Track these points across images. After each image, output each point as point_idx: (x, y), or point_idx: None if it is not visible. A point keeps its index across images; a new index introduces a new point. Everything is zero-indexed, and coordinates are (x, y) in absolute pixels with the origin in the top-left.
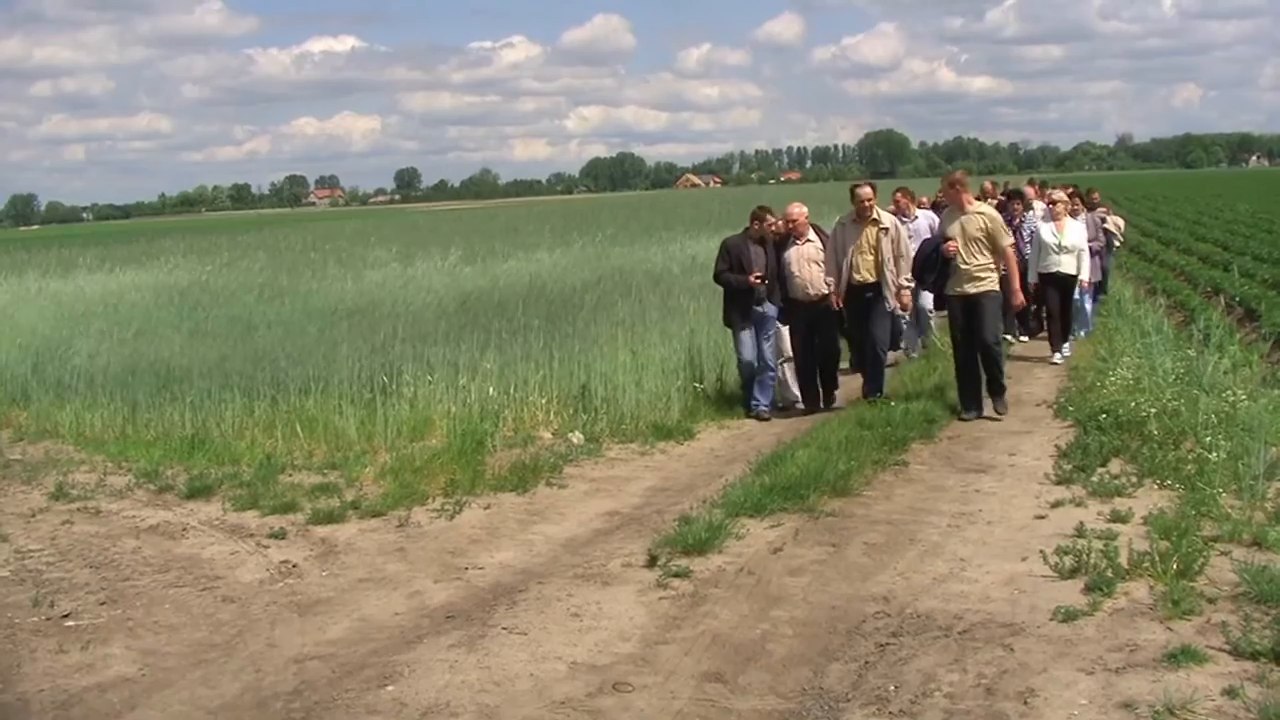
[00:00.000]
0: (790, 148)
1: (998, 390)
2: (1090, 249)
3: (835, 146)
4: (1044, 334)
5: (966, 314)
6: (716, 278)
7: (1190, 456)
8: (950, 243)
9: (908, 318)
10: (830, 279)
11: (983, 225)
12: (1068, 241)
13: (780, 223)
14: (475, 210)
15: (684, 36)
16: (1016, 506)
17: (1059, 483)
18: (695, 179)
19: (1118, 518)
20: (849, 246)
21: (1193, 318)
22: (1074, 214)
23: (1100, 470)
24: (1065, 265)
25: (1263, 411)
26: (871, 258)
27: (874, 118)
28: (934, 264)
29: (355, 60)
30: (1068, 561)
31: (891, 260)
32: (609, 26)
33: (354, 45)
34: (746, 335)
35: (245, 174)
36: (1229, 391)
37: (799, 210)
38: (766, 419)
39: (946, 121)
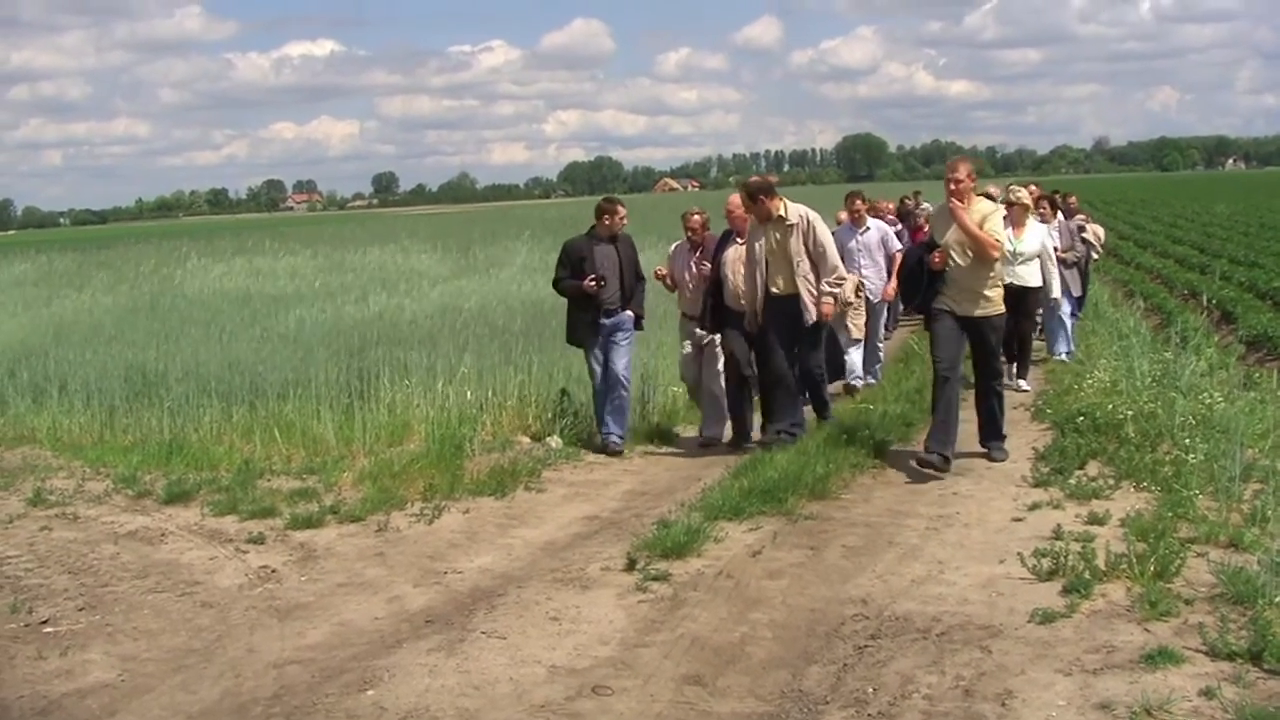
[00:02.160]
0: (768, 151)
1: (995, 430)
2: (1066, 260)
3: (813, 150)
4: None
5: (968, 338)
6: (555, 285)
7: (1167, 459)
8: (937, 252)
9: (848, 341)
10: (746, 292)
11: (981, 225)
12: (1026, 248)
13: (696, 216)
14: (452, 215)
15: (663, 41)
16: (994, 509)
17: (1036, 485)
18: (673, 183)
19: (1095, 520)
20: (758, 253)
21: (1170, 320)
22: (1044, 221)
23: (1078, 473)
24: (1023, 276)
25: (1239, 414)
26: (784, 265)
27: (852, 121)
28: (918, 281)
29: (334, 64)
30: (1045, 564)
31: (807, 264)
32: (588, 31)
33: (333, 49)
34: (595, 352)
35: (223, 179)
36: (1206, 394)
37: (737, 201)
38: (618, 451)
39: (924, 125)
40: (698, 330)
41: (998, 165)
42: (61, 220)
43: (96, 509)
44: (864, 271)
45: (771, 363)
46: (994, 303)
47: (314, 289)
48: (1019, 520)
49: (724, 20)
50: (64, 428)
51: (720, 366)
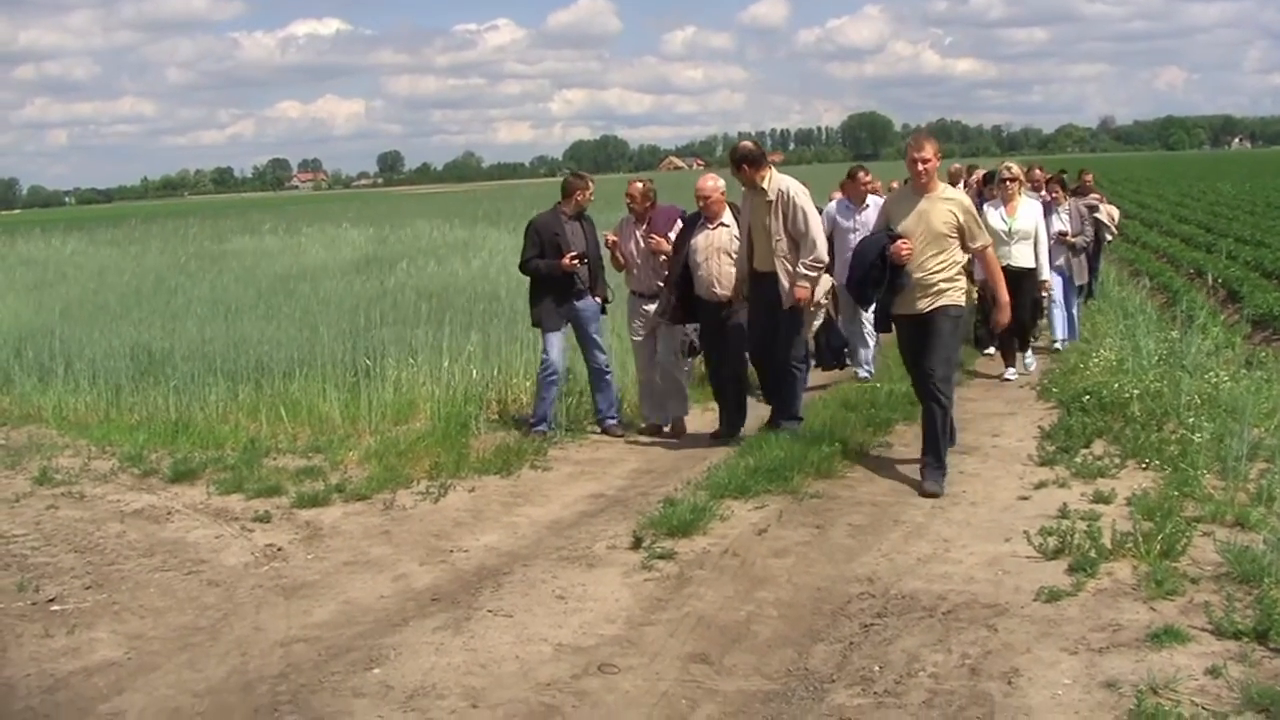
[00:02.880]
0: (774, 130)
1: (935, 451)
2: (1074, 246)
3: (819, 129)
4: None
5: (919, 338)
6: (523, 266)
7: (1173, 438)
8: (902, 242)
9: (840, 321)
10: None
11: (952, 218)
12: (1020, 226)
13: (638, 185)
14: (458, 193)
15: (669, 19)
16: (1000, 488)
17: (1042, 464)
18: (678, 161)
19: (1101, 499)
20: (744, 227)
21: (1175, 299)
22: (1055, 203)
23: (1083, 451)
24: (1017, 257)
25: (1245, 393)
26: (767, 240)
27: (858, 100)
28: (879, 273)
29: (340, 43)
30: (1051, 542)
31: (785, 242)
32: (594, 9)
33: (339, 28)
34: (557, 336)
35: (228, 158)
36: (1211, 373)
37: (712, 185)
38: (542, 435)
39: (930, 104)
40: (645, 308)
41: (1003, 144)
42: (67, 199)
43: (102, 487)
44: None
45: (733, 354)
46: (948, 294)
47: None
48: (1025, 499)
49: None
50: (70, 406)
51: (676, 348)
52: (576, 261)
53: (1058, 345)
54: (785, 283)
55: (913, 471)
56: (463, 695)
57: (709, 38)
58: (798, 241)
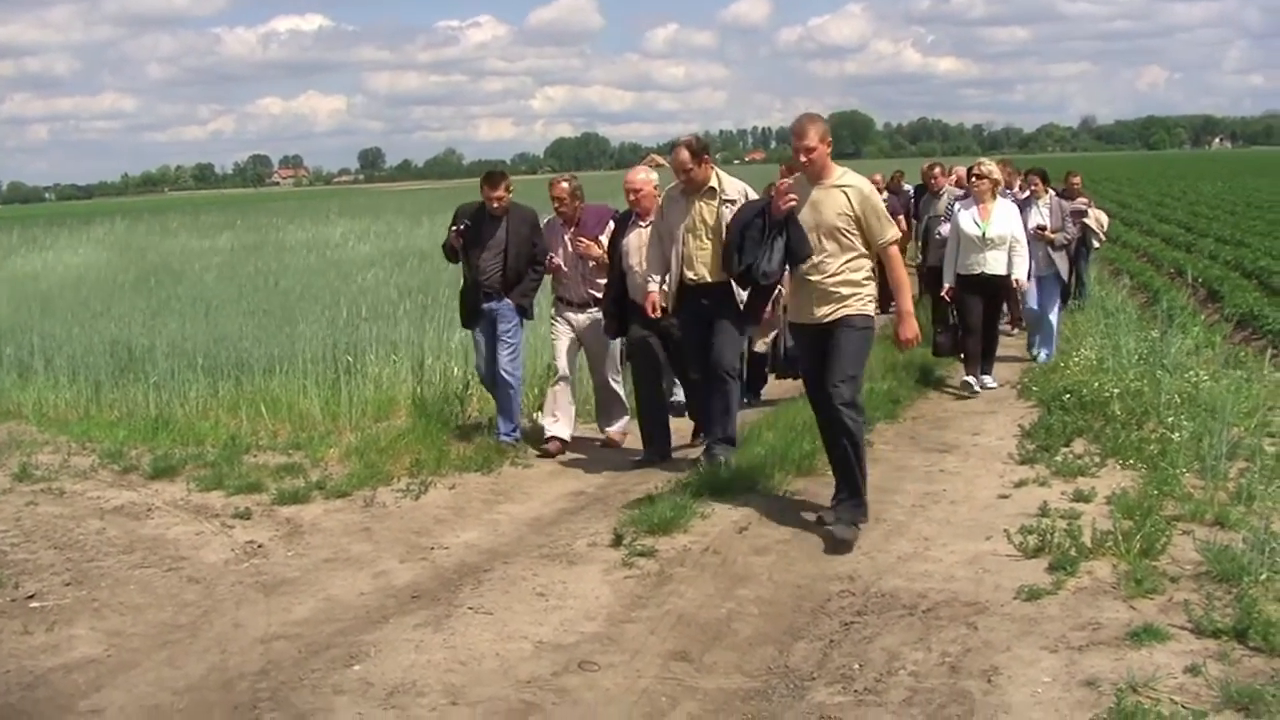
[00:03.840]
0: (755, 128)
1: (849, 484)
2: (1054, 243)
3: None
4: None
5: (817, 354)
6: (443, 246)
7: (1153, 437)
8: (786, 186)
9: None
10: (654, 277)
11: (848, 208)
12: (995, 231)
13: (564, 184)
14: (439, 190)
15: (652, 17)
16: (980, 486)
17: (1023, 462)
18: (660, 159)
19: (1081, 497)
20: (676, 229)
21: (1156, 299)
22: (1034, 196)
23: (1064, 450)
24: (991, 264)
25: (1225, 392)
26: (710, 246)
27: (839, 98)
28: (757, 240)
29: (322, 39)
30: (1031, 541)
31: None
32: (576, 6)
33: (321, 24)
34: (478, 336)
35: (209, 154)
36: (1191, 372)
37: (643, 178)
38: (510, 444)
39: (912, 102)
40: (570, 316)
41: (984, 143)
42: (47, 195)
43: (82, 484)
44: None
45: (655, 378)
46: (852, 303)
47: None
48: (1005, 497)
49: None
50: (50, 403)
51: (613, 356)
52: (459, 234)
53: (1040, 358)
54: (739, 292)
55: (893, 470)
56: (443, 692)
57: (691, 35)
58: None
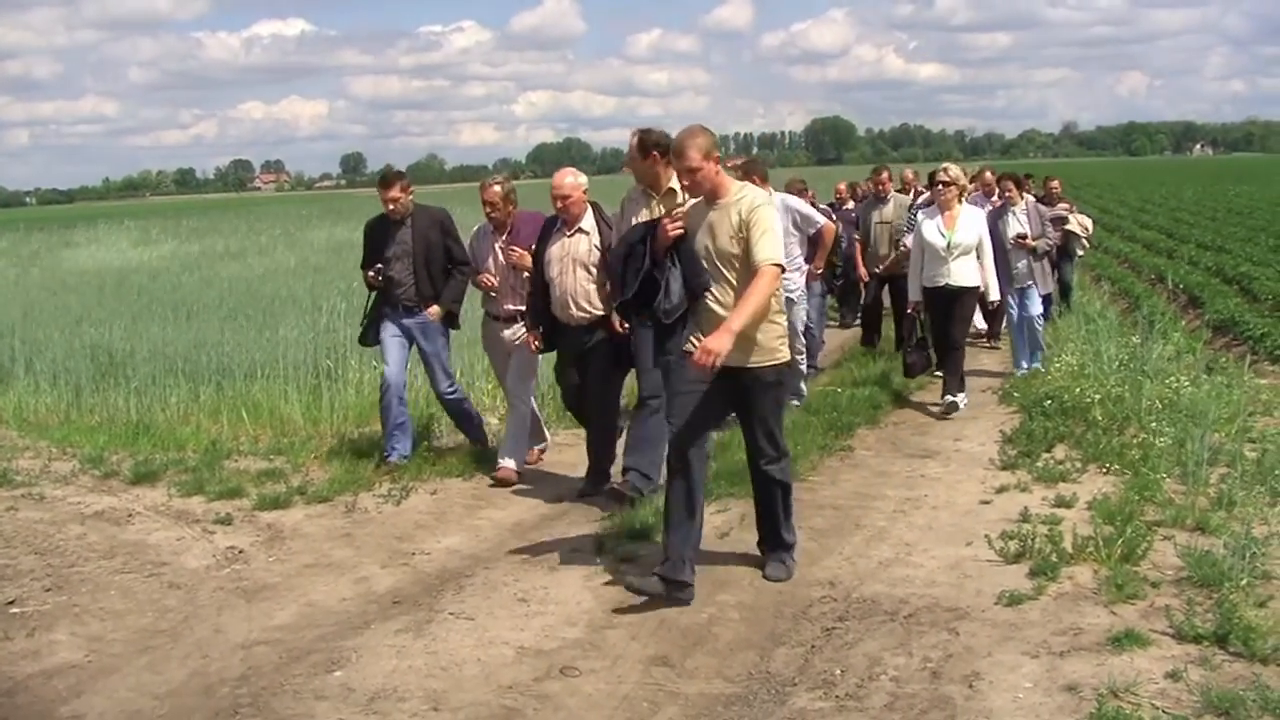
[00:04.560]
0: (737, 134)
1: (779, 542)
2: (1035, 251)
3: (782, 133)
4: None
5: (722, 400)
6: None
7: (1134, 442)
8: (675, 216)
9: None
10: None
11: (737, 225)
12: (960, 239)
13: (495, 187)
14: (421, 195)
15: (634, 22)
16: (962, 492)
17: (1004, 468)
18: None
19: (1062, 503)
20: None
21: (1137, 304)
22: (1009, 203)
23: (1045, 456)
24: (957, 275)
25: (1206, 398)
26: None
27: (821, 104)
28: (638, 265)
29: (304, 44)
30: (1012, 546)
31: None
32: (559, 11)
33: (303, 29)
34: (389, 341)
35: (190, 158)
36: (1172, 378)
37: (571, 182)
38: (393, 466)
39: (894, 108)
40: (502, 333)
41: (966, 149)
42: (27, 200)
43: (63, 489)
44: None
45: (599, 390)
46: (770, 348)
47: None
48: (986, 503)
49: (696, 1)
50: (30, 408)
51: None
52: (375, 276)
53: (1023, 372)
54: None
55: (874, 476)
56: (424, 698)
57: (674, 40)
58: None
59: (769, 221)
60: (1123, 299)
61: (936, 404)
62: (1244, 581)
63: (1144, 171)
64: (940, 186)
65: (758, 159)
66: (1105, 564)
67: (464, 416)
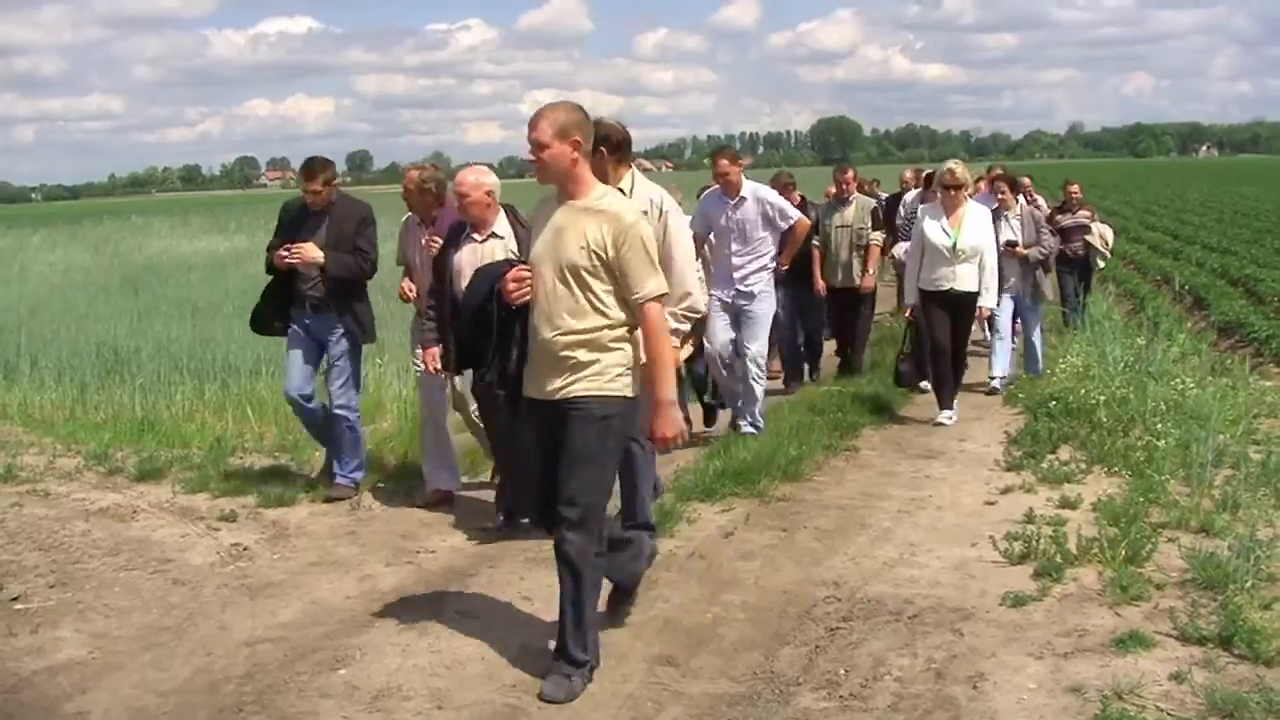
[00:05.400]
0: (743, 133)
1: (561, 638)
2: (1028, 258)
3: (788, 132)
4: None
5: (548, 442)
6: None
7: (1139, 444)
8: (520, 270)
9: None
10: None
11: (598, 240)
12: (968, 242)
13: (414, 173)
14: None
15: (641, 21)
16: (967, 492)
17: (1009, 469)
18: (647, 163)
19: (1067, 504)
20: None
21: (1142, 306)
22: (1003, 207)
23: (1050, 457)
24: (962, 279)
25: (1210, 399)
26: None
27: (827, 104)
28: (486, 330)
29: (310, 42)
30: (1017, 547)
31: None
32: (566, 10)
33: (310, 27)
34: (291, 354)
35: (196, 155)
36: (1177, 379)
37: (474, 180)
38: (342, 496)
39: (900, 109)
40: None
41: (971, 150)
42: (33, 196)
43: (68, 486)
44: (735, 259)
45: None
46: (594, 377)
47: None
48: (991, 504)
49: (703, 0)
50: (35, 404)
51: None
52: (284, 256)
53: (995, 383)
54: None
55: (879, 476)
56: (428, 696)
57: (680, 39)
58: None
59: (647, 246)
60: (1128, 300)
61: (938, 423)
62: (1248, 583)
63: (1150, 173)
64: (951, 192)
65: (729, 146)
66: (1110, 565)
67: (340, 439)
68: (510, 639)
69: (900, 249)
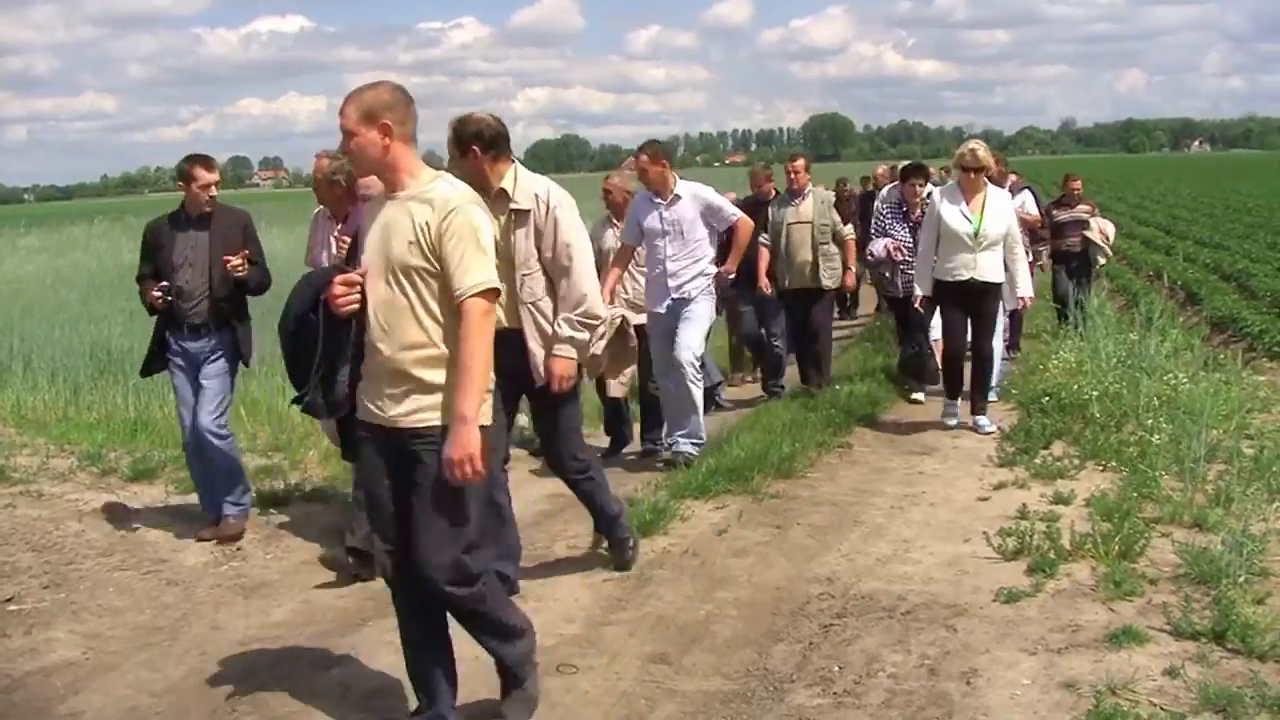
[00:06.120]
0: (735, 130)
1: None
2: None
3: (780, 129)
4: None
5: (387, 480)
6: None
7: (1132, 439)
8: (349, 277)
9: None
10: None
11: (423, 229)
12: (991, 228)
13: (325, 160)
14: None
15: (633, 18)
16: (960, 488)
17: (1002, 465)
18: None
19: (1060, 499)
20: None
21: (1134, 301)
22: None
23: (1043, 452)
24: (984, 268)
25: (1203, 394)
26: (509, 277)
27: (820, 101)
28: (309, 348)
29: (303, 40)
30: (1010, 543)
31: (541, 281)
32: (558, 7)
33: (302, 25)
34: (180, 383)
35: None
36: (1170, 375)
37: (367, 182)
38: (237, 535)
39: (892, 105)
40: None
41: None
42: (26, 196)
43: (61, 486)
44: (671, 264)
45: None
46: (433, 406)
47: None
48: (984, 500)
49: None
50: (28, 405)
51: None
52: (158, 296)
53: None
54: (536, 347)
55: (872, 473)
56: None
57: (673, 37)
58: (555, 279)
59: (477, 235)
60: (1121, 295)
61: (960, 425)
62: (1241, 578)
63: (1142, 168)
64: (972, 175)
65: (656, 141)
66: (1103, 561)
67: (224, 466)
68: None
69: (877, 246)
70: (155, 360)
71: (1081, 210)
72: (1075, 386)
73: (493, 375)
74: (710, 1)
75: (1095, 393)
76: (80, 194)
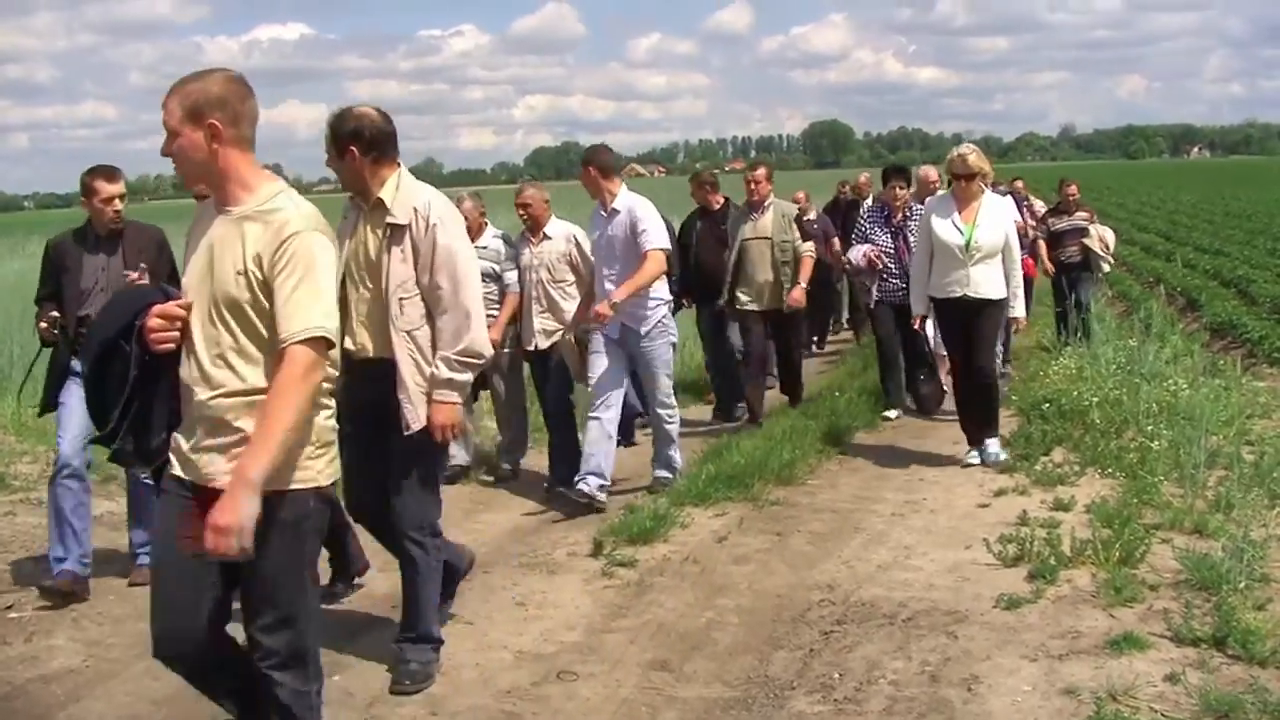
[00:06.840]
0: (735, 137)
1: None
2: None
3: (780, 136)
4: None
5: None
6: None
7: (1132, 445)
8: (170, 307)
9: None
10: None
11: (255, 258)
12: (985, 238)
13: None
14: None
15: (634, 26)
16: (960, 495)
17: (1002, 471)
18: (639, 169)
19: (1060, 506)
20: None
21: (1134, 308)
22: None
23: (1043, 459)
24: (979, 283)
25: (1203, 400)
26: (370, 296)
27: (820, 108)
28: (123, 369)
29: (303, 48)
30: (1011, 549)
31: (418, 307)
32: (559, 15)
33: (302, 33)
34: (72, 405)
35: None
36: (1170, 381)
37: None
38: (71, 579)
39: (892, 112)
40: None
41: None
42: (26, 204)
43: None
44: (608, 285)
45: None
46: (294, 456)
47: None
48: (985, 506)
49: (696, 5)
50: (28, 412)
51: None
52: (48, 327)
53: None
54: (413, 384)
55: (873, 479)
56: (422, 702)
57: (673, 44)
58: (432, 308)
59: (313, 265)
60: (1120, 302)
61: (967, 460)
62: (1242, 584)
63: (1142, 174)
64: (963, 182)
65: (601, 147)
66: (1103, 567)
67: (141, 498)
68: (504, 644)
69: (856, 253)
70: (56, 393)
71: (1080, 218)
72: (1075, 393)
73: (335, 425)
74: (711, 9)
75: (1095, 399)
76: (81, 201)
